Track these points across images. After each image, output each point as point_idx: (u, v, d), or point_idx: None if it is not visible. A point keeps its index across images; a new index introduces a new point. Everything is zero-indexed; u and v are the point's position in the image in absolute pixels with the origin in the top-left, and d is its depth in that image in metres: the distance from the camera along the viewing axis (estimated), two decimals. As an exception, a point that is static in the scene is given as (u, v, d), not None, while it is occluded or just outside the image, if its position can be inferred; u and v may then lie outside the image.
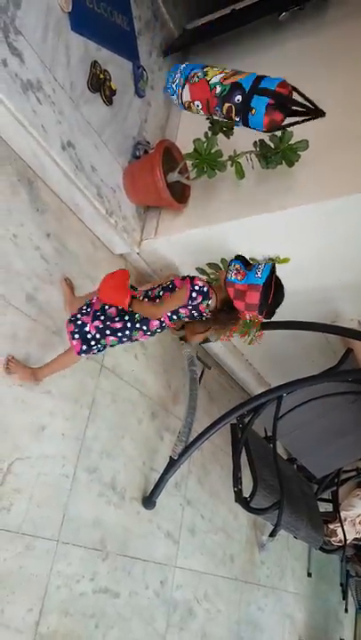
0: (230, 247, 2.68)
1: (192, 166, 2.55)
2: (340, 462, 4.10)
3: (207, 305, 1.97)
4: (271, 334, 2.78)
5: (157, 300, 2.01)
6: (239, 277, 1.82)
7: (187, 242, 2.76)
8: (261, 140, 2.39)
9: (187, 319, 2.05)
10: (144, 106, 2.96)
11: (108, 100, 2.58)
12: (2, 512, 1.97)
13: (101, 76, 2.50)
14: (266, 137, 2.37)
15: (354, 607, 6.89)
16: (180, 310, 1.98)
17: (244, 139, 2.48)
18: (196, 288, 1.94)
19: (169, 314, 2.00)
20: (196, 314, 2.01)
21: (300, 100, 1.99)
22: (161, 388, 3.18)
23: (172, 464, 2.83)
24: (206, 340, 2.79)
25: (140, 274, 3.04)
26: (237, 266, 1.82)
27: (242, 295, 1.89)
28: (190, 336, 2.15)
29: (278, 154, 2.35)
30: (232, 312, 1.97)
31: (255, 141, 2.41)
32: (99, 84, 2.49)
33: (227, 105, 2.06)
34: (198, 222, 2.68)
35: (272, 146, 2.36)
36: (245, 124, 2.07)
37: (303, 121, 2.05)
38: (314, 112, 1.97)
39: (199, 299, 1.94)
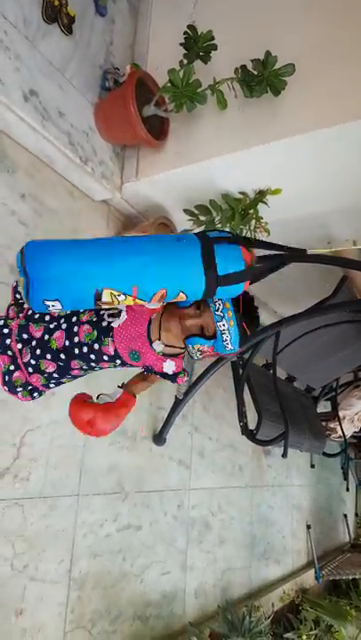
0: (218, 184, 2.53)
1: (169, 100, 2.31)
2: (337, 373, 4.24)
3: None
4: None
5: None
6: (207, 353, 1.44)
7: (171, 182, 2.59)
8: (243, 66, 2.14)
9: None
10: (108, 25, 2.60)
11: (68, 29, 2.26)
12: (22, 482, 2.08)
13: (56, 3, 2.16)
14: (248, 62, 2.12)
15: (354, 485, 7.58)
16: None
17: (223, 63, 2.22)
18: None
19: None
20: None
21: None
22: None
23: (178, 404, 2.93)
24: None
25: (126, 216, 2.89)
26: (198, 346, 1.42)
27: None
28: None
29: (263, 81, 2.11)
30: None
31: (236, 68, 2.16)
32: (55, 12, 2.16)
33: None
34: (180, 160, 2.49)
35: (255, 72, 2.12)
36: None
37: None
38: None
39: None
